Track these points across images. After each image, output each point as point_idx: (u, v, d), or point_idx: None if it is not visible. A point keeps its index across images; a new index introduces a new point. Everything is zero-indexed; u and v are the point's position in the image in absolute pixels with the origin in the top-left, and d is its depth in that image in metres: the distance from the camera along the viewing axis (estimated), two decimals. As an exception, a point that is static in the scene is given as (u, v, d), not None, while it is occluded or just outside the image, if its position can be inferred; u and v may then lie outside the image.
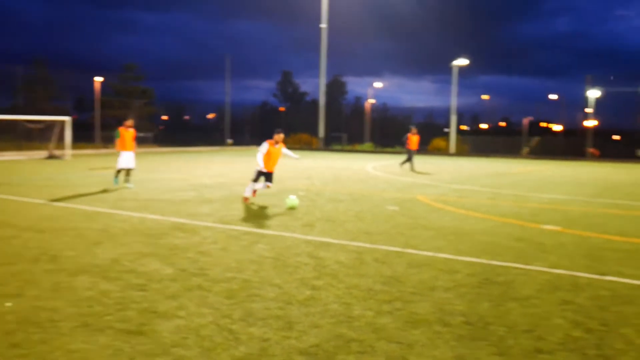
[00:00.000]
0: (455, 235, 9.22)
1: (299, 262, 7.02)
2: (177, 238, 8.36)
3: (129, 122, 15.53)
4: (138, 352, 4.14)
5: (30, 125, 33.06)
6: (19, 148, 32.85)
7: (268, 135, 13.33)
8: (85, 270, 6.43)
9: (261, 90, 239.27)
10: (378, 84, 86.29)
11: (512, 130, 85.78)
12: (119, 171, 15.28)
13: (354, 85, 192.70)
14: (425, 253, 7.75)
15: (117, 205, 11.59)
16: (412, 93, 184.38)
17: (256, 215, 10.91)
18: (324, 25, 51.53)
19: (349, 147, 58.89)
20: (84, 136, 48.24)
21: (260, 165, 12.32)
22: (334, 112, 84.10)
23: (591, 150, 50.99)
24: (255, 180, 12.46)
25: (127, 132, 15.37)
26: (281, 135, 12.57)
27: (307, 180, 18.72)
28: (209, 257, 7.21)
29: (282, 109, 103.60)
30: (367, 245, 8.20)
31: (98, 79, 58.24)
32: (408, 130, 26.23)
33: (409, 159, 25.39)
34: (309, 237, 8.65)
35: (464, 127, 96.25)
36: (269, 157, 12.40)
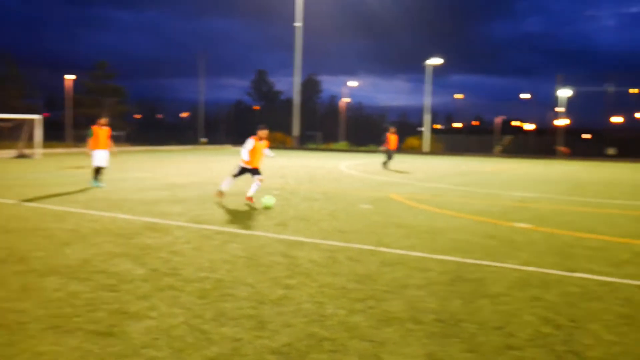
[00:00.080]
0: (428, 233, 9.28)
1: (272, 262, 7.00)
2: (149, 238, 8.27)
3: (103, 120, 15.33)
4: (108, 354, 4.08)
5: (-1, 124, 32.47)
6: (-13, 147, 32.24)
7: (243, 134, 13.28)
8: (55, 271, 6.32)
9: (236, 88, 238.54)
10: (352, 83, 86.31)
11: (485, 129, 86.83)
12: (96, 171, 15.04)
13: (328, 84, 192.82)
14: (398, 251, 7.79)
15: (88, 205, 11.43)
16: (387, 92, 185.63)
17: (229, 214, 10.85)
18: (298, 24, 51.53)
19: (323, 146, 59.04)
20: (55, 135, 47.51)
21: (246, 160, 12.26)
22: (308, 111, 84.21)
23: (562, 148, 51.89)
24: (236, 175, 12.38)
25: (102, 131, 15.17)
26: (265, 132, 12.51)
27: (281, 179, 18.68)
28: (181, 256, 7.14)
29: (256, 107, 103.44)
30: (341, 243, 8.21)
31: (69, 77, 57.50)
32: (386, 130, 26.38)
33: (389, 158, 25.53)
34: (283, 236, 8.63)
35: (437, 126, 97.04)
36: (254, 153, 12.35)
